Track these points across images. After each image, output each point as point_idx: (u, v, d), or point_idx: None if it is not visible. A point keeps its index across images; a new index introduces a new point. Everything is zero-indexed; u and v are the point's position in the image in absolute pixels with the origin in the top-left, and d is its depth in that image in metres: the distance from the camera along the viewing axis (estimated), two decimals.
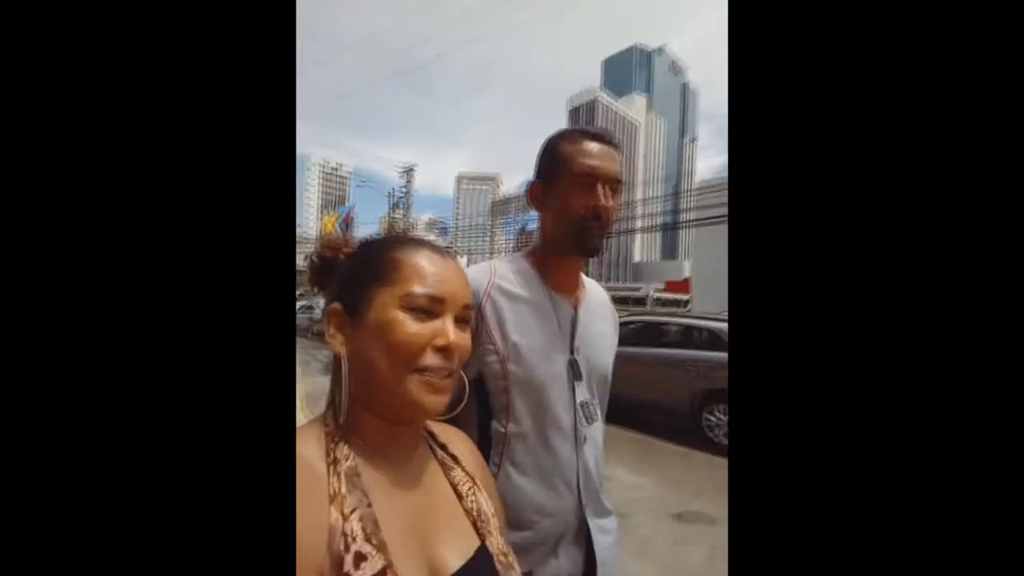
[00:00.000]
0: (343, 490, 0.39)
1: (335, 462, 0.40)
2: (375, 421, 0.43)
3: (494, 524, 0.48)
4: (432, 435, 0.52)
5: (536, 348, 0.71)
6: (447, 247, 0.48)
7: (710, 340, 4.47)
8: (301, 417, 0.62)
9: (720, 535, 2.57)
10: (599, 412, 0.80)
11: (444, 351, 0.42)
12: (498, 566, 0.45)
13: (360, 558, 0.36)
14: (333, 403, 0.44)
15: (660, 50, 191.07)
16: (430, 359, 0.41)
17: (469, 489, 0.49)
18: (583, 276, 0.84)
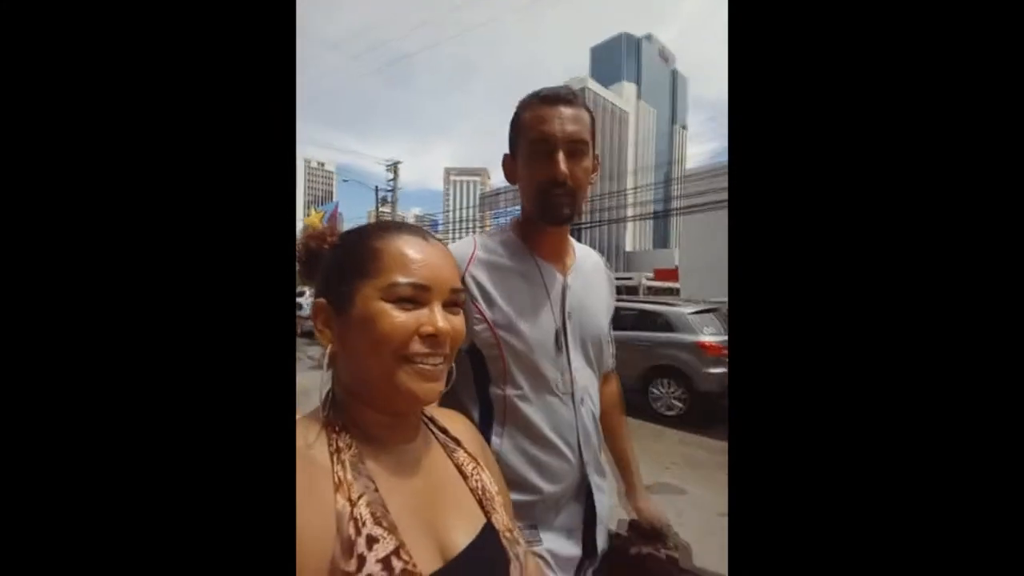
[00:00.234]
0: (349, 477, 0.39)
1: (338, 451, 0.40)
2: (372, 413, 0.43)
3: (499, 502, 0.49)
4: (432, 420, 0.52)
5: (525, 314, 0.71)
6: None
7: (664, 324, 4.90)
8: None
9: (685, 503, 2.85)
10: (596, 373, 0.81)
11: (432, 339, 0.41)
12: (504, 541, 0.46)
13: (372, 540, 0.36)
14: (333, 395, 0.44)
15: (649, 37, 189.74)
16: (418, 347, 0.41)
17: (473, 469, 0.50)
18: (574, 242, 0.83)
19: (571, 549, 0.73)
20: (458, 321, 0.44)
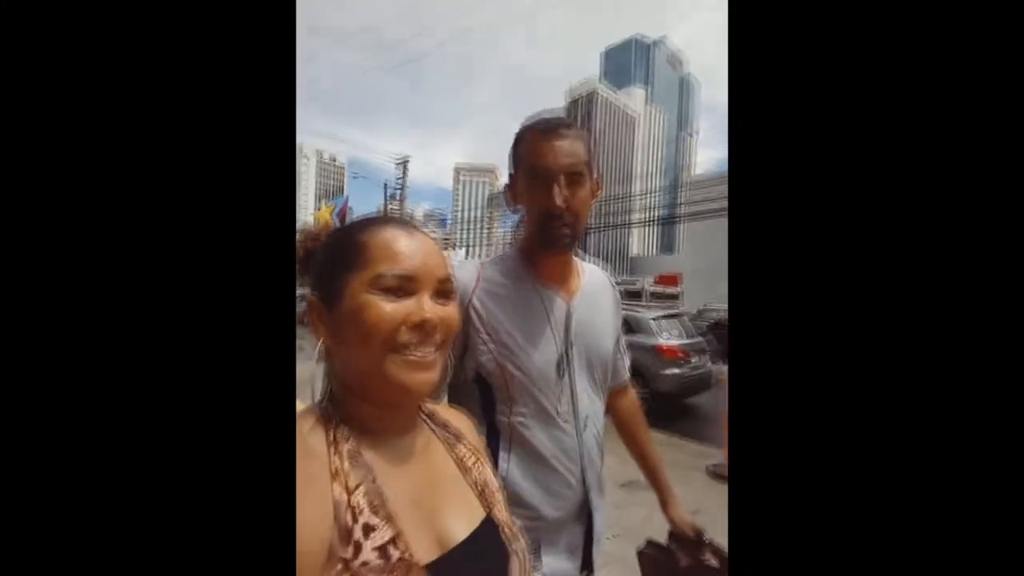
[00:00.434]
0: (346, 467, 0.39)
1: (335, 442, 0.41)
2: (366, 405, 0.43)
3: (499, 496, 0.49)
4: (432, 414, 0.52)
5: (526, 343, 0.72)
6: (431, 229, 0.48)
7: (627, 327, 5.08)
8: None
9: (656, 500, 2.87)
10: (602, 396, 0.81)
11: (420, 328, 0.42)
12: (504, 535, 0.46)
13: (369, 528, 0.37)
14: (329, 389, 0.45)
15: (660, 42, 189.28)
16: (407, 337, 0.41)
17: (475, 463, 0.50)
18: (579, 263, 0.83)
19: (571, 566, 0.76)
20: (448, 311, 0.44)
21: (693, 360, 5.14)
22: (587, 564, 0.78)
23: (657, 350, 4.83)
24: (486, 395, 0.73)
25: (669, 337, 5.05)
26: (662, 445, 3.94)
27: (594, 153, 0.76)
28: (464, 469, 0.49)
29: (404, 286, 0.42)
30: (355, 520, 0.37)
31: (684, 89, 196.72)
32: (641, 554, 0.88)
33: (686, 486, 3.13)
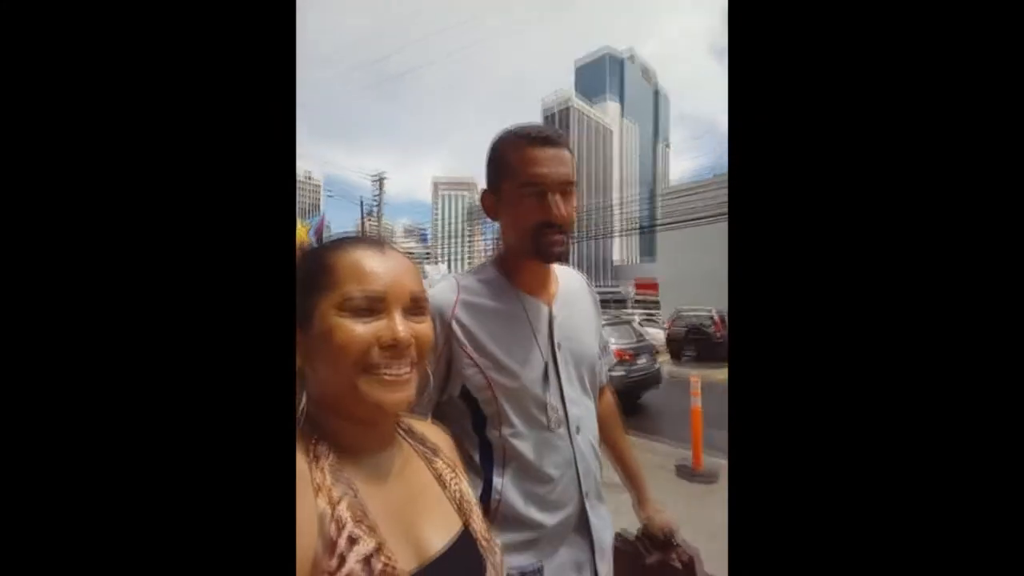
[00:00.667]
0: (328, 482, 0.40)
1: (316, 458, 0.41)
2: (343, 423, 0.44)
3: (477, 510, 0.50)
4: (410, 430, 0.53)
5: (513, 355, 0.71)
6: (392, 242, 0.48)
7: None
8: None
9: (626, 499, 2.72)
10: (592, 399, 0.80)
11: (392, 347, 0.42)
12: (481, 547, 0.46)
13: (353, 540, 0.37)
14: (307, 408, 0.45)
15: (631, 56, 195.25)
16: (379, 357, 0.41)
17: (452, 477, 0.51)
18: (555, 268, 0.81)
19: None
20: (421, 327, 0.45)
21: (640, 361, 5.66)
22: None
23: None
24: (474, 411, 0.72)
25: (616, 341, 5.42)
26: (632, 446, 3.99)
27: (575, 164, 0.76)
28: (442, 483, 0.49)
29: (373, 306, 0.42)
30: (339, 532, 0.37)
31: (656, 101, 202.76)
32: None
33: (653, 484, 3.15)
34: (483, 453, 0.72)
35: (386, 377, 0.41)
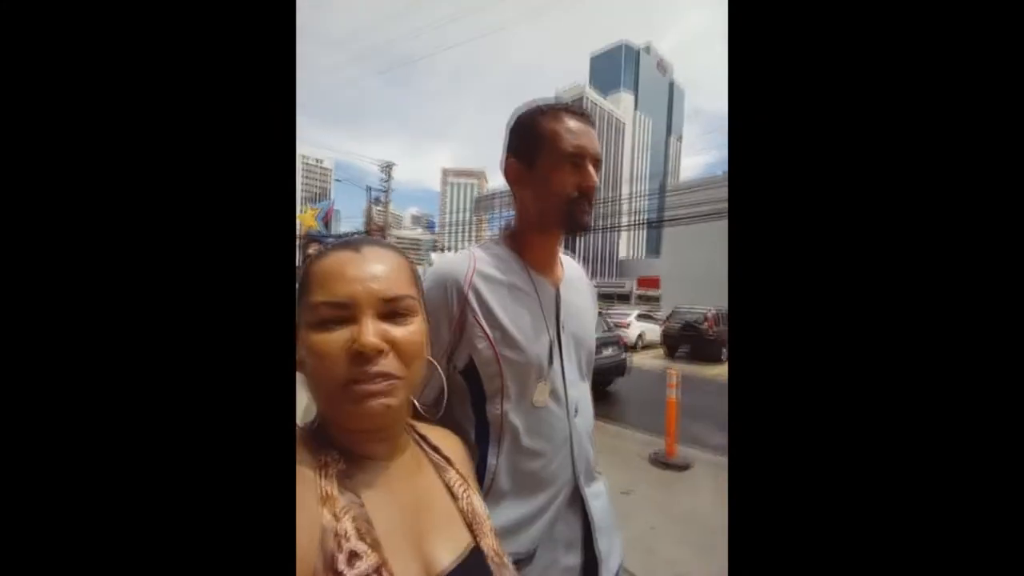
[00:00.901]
0: (335, 492, 0.39)
1: (324, 466, 0.40)
2: (345, 431, 0.43)
3: (488, 525, 0.48)
4: (424, 438, 0.52)
5: (523, 330, 0.72)
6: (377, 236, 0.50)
7: None
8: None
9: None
10: (587, 383, 0.83)
11: (360, 356, 0.39)
12: (491, 565, 0.45)
13: (353, 556, 0.36)
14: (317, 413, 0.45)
15: (648, 48, 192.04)
16: (351, 368, 0.39)
17: (464, 491, 0.49)
18: (559, 254, 0.85)
19: (572, 561, 0.74)
20: (401, 331, 0.42)
21: (606, 351, 5.98)
22: (591, 557, 0.75)
23: None
24: (474, 389, 0.72)
25: None
26: (608, 435, 4.17)
27: None
28: (453, 496, 0.48)
29: (339, 315, 0.40)
30: (340, 548, 0.36)
31: (670, 95, 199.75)
32: None
33: (626, 470, 3.35)
34: (479, 432, 0.72)
35: (366, 388, 0.40)
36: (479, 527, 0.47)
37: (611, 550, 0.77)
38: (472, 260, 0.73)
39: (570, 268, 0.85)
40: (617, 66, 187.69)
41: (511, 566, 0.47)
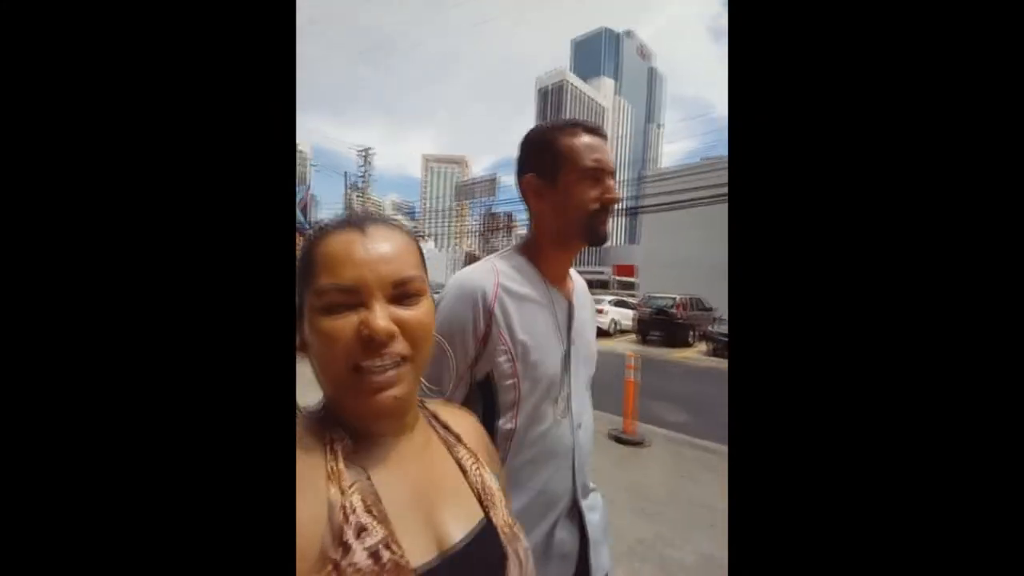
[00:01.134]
0: (340, 467, 0.39)
1: (331, 442, 0.40)
2: (352, 413, 0.43)
3: (499, 499, 0.48)
4: (434, 415, 0.52)
5: (541, 344, 0.74)
6: (392, 221, 0.46)
7: None
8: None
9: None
10: (589, 397, 0.86)
11: (371, 342, 0.39)
12: (503, 537, 0.45)
13: (361, 529, 0.36)
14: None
15: (629, 33, 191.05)
16: (361, 354, 0.39)
17: (474, 465, 0.49)
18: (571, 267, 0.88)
19: (565, 571, 0.75)
20: (411, 314, 0.41)
21: None
22: (583, 570, 0.76)
23: None
24: (489, 402, 0.73)
25: None
26: None
27: None
28: (463, 471, 0.48)
29: (348, 300, 0.40)
30: (347, 520, 0.36)
31: (651, 81, 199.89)
32: None
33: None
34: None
35: (373, 378, 0.39)
36: (490, 501, 0.47)
37: (601, 562, 0.79)
38: (496, 274, 0.74)
39: (578, 281, 0.88)
40: (598, 51, 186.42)
41: (523, 538, 0.47)
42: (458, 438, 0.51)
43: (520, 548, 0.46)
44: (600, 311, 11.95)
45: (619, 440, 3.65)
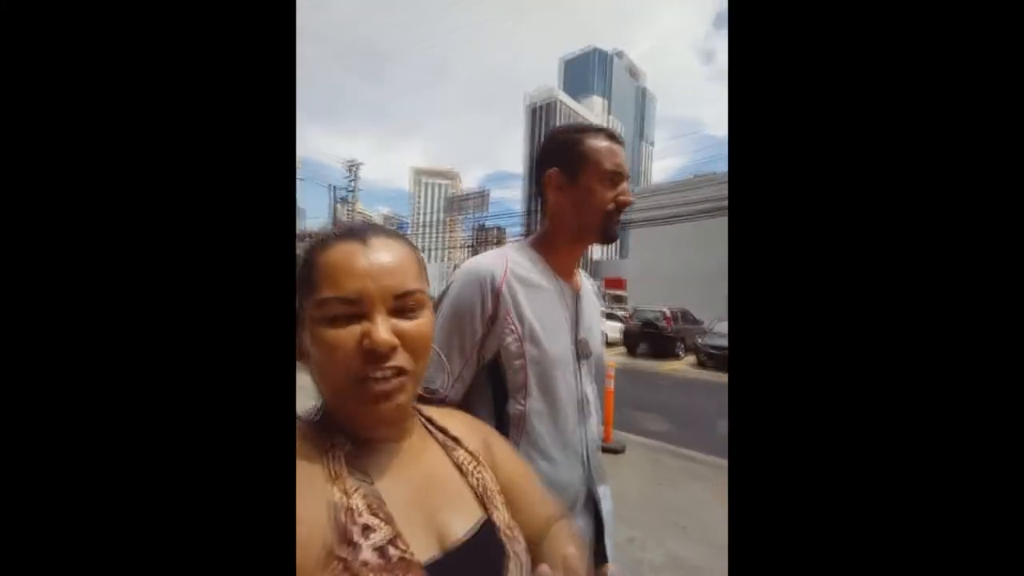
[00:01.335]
0: (343, 471, 0.39)
1: (332, 447, 0.41)
2: (352, 421, 0.43)
3: (500, 500, 0.49)
4: (430, 420, 0.52)
5: (549, 330, 0.76)
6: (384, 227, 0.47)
7: None
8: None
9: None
10: (597, 389, 0.88)
11: (372, 354, 0.39)
12: (504, 538, 0.45)
13: (367, 529, 0.37)
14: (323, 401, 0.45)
15: (620, 54, 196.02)
16: (362, 365, 0.39)
17: (474, 467, 0.49)
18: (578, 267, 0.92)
19: None
20: (412, 325, 0.42)
21: None
22: (600, 557, 0.78)
23: None
24: (498, 385, 0.76)
25: None
26: None
27: None
28: (463, 473, 0.48)
29: (350, 311, 0.40)
30: (354, 522, 0.37)
31: (641, 101, 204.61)
32: None
33: None
34: (499, 427, 0.74)
35: (376, 387, 0.39)
36: (491, 502, 0.47)
37: (610, 553, 0.81)
38: (506, 260, 0.78)
39: (584, 280, 0.92)
40: (589, 71, 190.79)
41: (523, 540, 0.47)
42: (457, 441, 0.51)
43: (521, 549, 0.46)
44: None
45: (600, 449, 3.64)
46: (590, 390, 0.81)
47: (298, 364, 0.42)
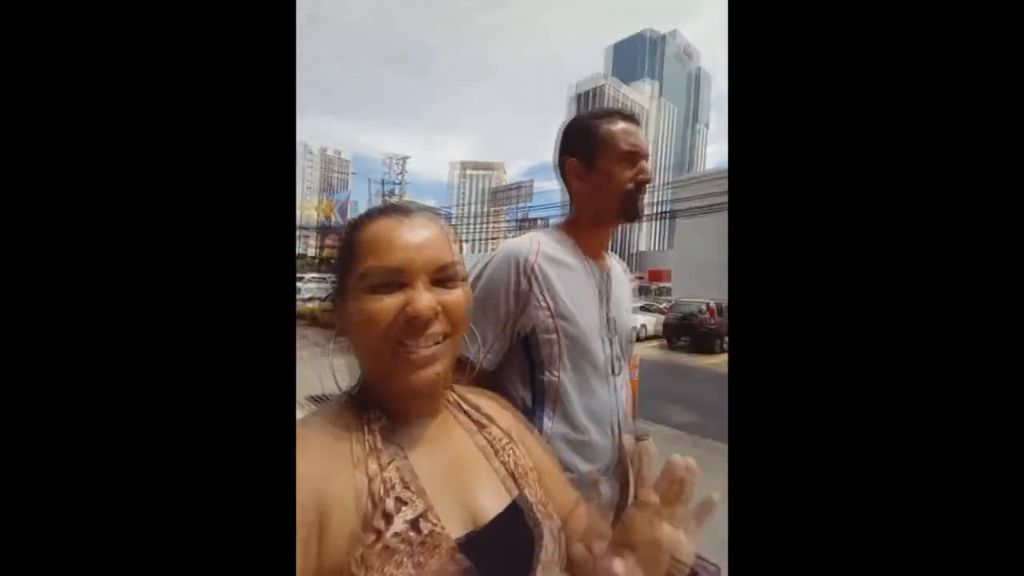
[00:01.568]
0: (379, 445, 0.40)
1: (368, 422, 0.42)
2: (390, 392, 0.44)
3: (532, 477, 0.49)
4: (463, 398, 0.53)
5: (580, 306, 0.81)
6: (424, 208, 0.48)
7: None
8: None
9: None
10: (626, 365, 0.93)
11: (413, 322, 0.40)
12: (536, 514, 0.46)
13: (400, 503, 0.38)
14: (361, 376, 0.46)
15: (672, 35, 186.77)
16: (403, 333, 0.40)
17: (506, 444, 0.50)
18: (607, 249, 0.96)
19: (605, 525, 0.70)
20: (450, 297, 0.43)
21: None
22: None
23: None
24: (533, 357, 0.80)
25: None
26: None
27: None
28: (495, 450, 0.49)
29: (393, 279, 0.41)
30: (388, 493, 0.37)
31: (694, 83, 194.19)
32: None
33: None
34: (535, 398, 0.80)
35: (412, 355, 0.40)
36: (523, 479, 0.48)
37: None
38: (537, 243, 0.83)
39: (614, 262, 0.97)
40: (640, 54, 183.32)
41: (556, 516, 0.48)
42: (489, 418, 0.52)
43: (555, 527, 0.46)
44: None
45: None
46: (619, 362, 0.87)
47: (337, 341, 0.44)
